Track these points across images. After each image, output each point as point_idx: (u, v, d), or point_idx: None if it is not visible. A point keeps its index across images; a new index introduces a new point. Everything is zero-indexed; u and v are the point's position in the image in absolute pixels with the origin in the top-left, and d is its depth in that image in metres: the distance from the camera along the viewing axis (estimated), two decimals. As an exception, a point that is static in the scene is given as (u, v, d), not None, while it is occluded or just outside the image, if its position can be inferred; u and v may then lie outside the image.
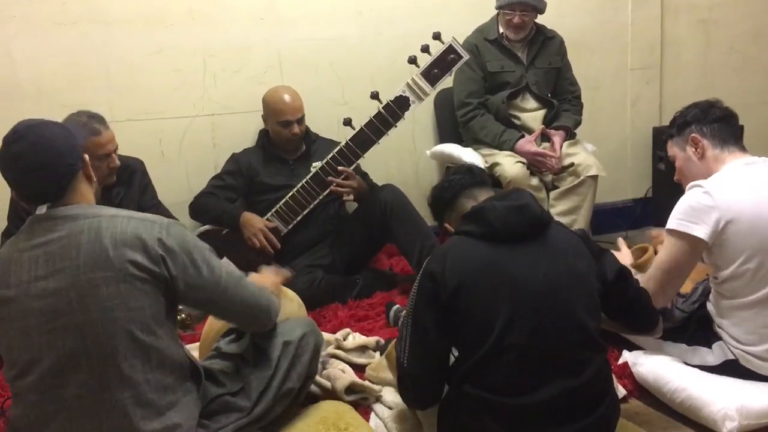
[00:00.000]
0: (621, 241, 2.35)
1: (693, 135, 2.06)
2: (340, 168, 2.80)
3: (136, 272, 1.48)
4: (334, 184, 2.81)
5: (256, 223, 2.80)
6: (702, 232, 1.90)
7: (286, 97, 2.96)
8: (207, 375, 1.69)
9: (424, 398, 1.73)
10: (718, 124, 2.05)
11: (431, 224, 3.20)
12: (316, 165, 2.86)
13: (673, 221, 1.96)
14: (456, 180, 1.83)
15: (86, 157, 1.59)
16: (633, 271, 2.13)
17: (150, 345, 1.50)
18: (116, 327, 1.47)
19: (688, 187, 2.00)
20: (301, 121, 2.97)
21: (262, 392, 1.75)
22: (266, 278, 1.96)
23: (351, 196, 2.89)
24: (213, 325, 2.02)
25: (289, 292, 2.16)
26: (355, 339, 2.39)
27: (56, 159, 1.51)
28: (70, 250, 1.48)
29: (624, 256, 2.24)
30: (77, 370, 1.47)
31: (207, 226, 2.90)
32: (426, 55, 2.70)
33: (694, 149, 2.06)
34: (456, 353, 1.68)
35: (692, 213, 1.92)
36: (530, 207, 1.65)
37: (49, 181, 1.52)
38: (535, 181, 3.03)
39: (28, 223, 1.55)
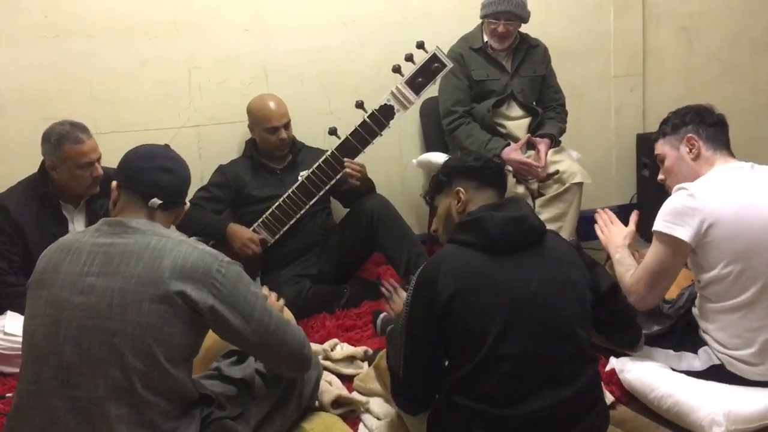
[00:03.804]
0: (633, 218, 2.27)
1: (689, 135, 2.07)
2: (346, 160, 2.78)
3: (181, 302, 1.50)
4: (346, 166, 2.76)
5: (244, 233, 2.79)
6: (685, 233, 1.92)
7: (271, 104, 2.96)
8: (208, 398, 1.68)
9: (416, 404, 1.74)
10: (713, 128, 2.07)
11: (418, 233, 3.22)
12: (304, 174, 2.86)
13: (658, 222, 1.97)
14: (502, 173, 1.83)
15: (187, 206, 1.75)
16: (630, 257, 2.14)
17: (168, 372, 1.51)
18: (143, 345, 1.48)
19: (674, 189, 2.01)
20: (287, 126, 2.97)
21: (262, 421, 1.74)
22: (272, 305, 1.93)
23: (358, 182, 2.85)
24: (213, 341, 1.96)
25: (285, 311, 2.14)
26: (343, 349, 2.38)
27: (182, 180, 1.69)
28: (131, 258, 1.52)
29: (620, 232, 2.21)
30: (94, 375, 1.47)
31: (193, 238, 2.88)
32: (410, 64, 2.71)
33: (689, 149, 2.07)
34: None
35: (676, 215, 1.94)
36: (528, 219, 1.65)
37: (166, 186, 1.64)
38: (521, 188, 3.05)
39: (100, 222, 1.62)
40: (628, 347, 2.00)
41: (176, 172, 1.67)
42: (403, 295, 1.91)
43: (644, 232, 2.23)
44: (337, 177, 2.80)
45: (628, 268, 2.10)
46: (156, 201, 1.62)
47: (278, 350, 1.67)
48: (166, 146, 1.77)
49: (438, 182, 1.87)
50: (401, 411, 1.84)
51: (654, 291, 2.03)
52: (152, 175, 1.63)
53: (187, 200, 1.74)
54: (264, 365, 1.80)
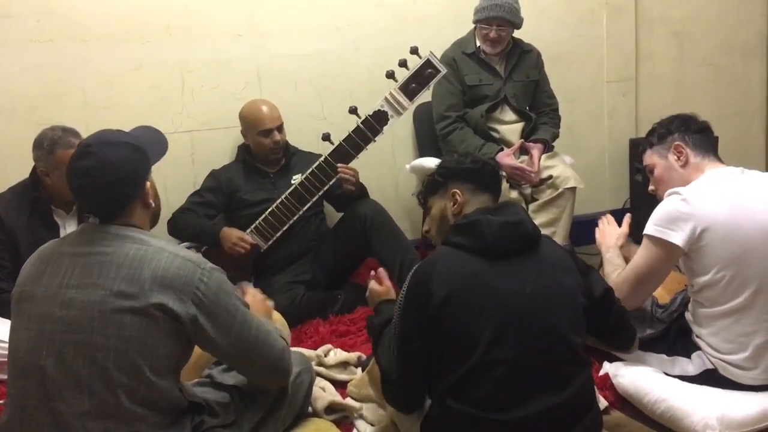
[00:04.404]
0: (626, 220, 2.34)
1: (676, 143, 2.09)
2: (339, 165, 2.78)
3: (162, 315, 1.47)
4: (339, 170, 2.76)
5: (234, 233, 2.78)
6: (678, 238, 1.92)
7: (263, 107, 2.96)
8: (198, 405, 1.65)
9: (410, 403, 1.73)
10: (699, 135, 2.09)
11: (411, 238, 3.22)
12: (297, 178, 2.86)
13: (651, 227, 1.98)
14: (498, 176, 1.82)
15: (148, 185, 1.61)
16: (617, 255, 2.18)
17: (155, 384, 1.48)
18: (126, 359, 1.45)
19: (666, 193, 2.02)
20: (280, 129, 2.97)
21: (255, 428, 1.72)
22: (257, 306, 1.92)
23: (353, 187, 2.85)
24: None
25: (274, 313, 2.14)
26: (337, 355, 2.37)
27: (116, 184, 1.54)
28: (110, 269, 1.48)
29: (614, 233, 2.29)
30: (79, 390, 1.44)
31: (186, 244, 2.88)
32: (404, 69, 2.71)
33: (676, 157, 2.08)
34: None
35: (669, 219, 1.94)
36: (524, 224, 1.64)
37: (103, 202, 1.55)
38: (514, 194, 3.05)
39: (79, 229, 1.58)
40: (622, 350, 2.00)
41: (108, 187, 1.52)
42: (388, 283, 1.90)
43: (637, 237, 2.24)
44: (331, 183, 2.80)
45: (616, 268, 2.15)
46: (89, 220, 1.56)
47: (255, 362, 1.63)
48: (102, 142, 1.56)
49: (433, 183, 1.86)
50: (394, 410, 1.83)
51: (639, 293, 2.05)
52: (81, 196, 1.57)
53: (147, 182, 1.62)
54: (244, 375, 1.76)
